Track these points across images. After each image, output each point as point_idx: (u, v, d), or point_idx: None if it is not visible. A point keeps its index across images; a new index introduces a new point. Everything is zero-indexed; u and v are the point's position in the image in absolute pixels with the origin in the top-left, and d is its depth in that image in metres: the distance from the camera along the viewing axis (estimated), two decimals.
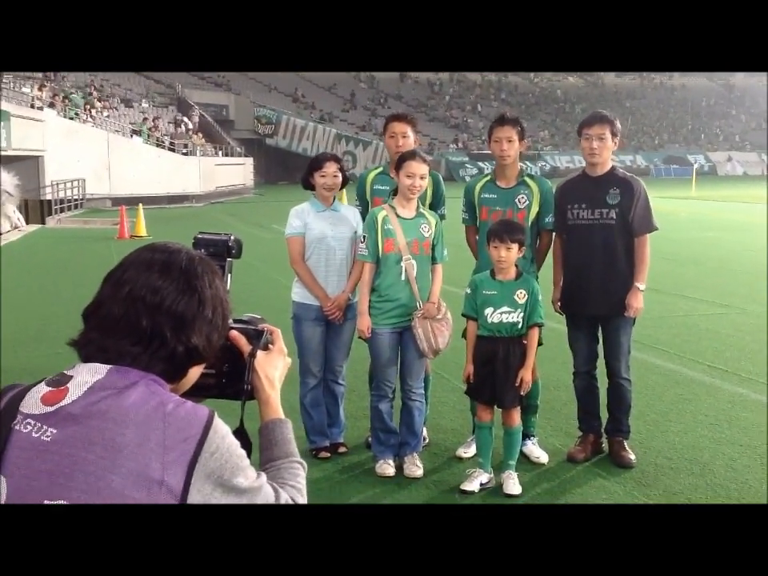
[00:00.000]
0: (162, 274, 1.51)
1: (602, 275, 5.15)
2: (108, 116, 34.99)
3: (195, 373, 1.59)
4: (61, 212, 26.37)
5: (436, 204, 5.46)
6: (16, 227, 21.54)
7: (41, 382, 1.51)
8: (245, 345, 1.69)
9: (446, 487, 4.89)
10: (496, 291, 4.79)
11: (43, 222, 24.50)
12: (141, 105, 43.23)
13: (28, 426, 1.43)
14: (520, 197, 5.22)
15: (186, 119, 42.96)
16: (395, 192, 5.04)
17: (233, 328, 1.69)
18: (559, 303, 5.39)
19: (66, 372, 1.50)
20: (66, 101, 32.11)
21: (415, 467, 5.04)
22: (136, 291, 1.49)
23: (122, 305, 1.49)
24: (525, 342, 4.82)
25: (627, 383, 5.33)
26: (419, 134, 5.53)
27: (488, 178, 5.40)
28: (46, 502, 1.38)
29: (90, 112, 32.42)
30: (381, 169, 5.59)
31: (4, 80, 31.23)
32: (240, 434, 1.65)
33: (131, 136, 34.10)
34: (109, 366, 1.47)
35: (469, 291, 4.92)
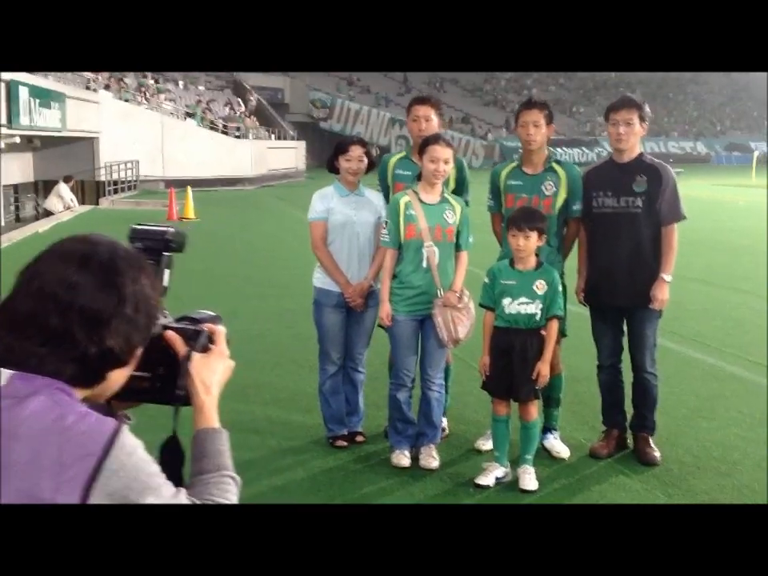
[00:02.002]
0: (79, 267, 1.38)
1: (627, 266, 4.97)
2: (163, 98, 35.31)
3: (117, 377, 1.46)
4: (114, 193, 26.73)
5: (459, 191, 5.29)
6: (68, 208, 21.88)
7: None
8: (181, 346, 1.58)
9: (462, 480, 4.78)
10: (514, 281, 4.64)
11: (97, 203, 24.86)
12: (197, 87, 43.57)
13: None
14: (547, 184, 5.04)
15: (239, 101, 43.16)
16: (419, 177, 4.92)
17: (171, 328, 1.59)
18: (583, 294, 5.22)
19: None
20: (122, 83, 32.46)
21: (431, 459, 4.94)
22: (47, 286, 1.36)
23: (31, 301, 1.36)
24: (543, 333, 4.67)
25: (653, 377, 5.14)
26: (443, 118, 5.38)
27: (515, 164, 5.25)
28: None
29: (145, 94, 32.73)
30: (404, 153, 5.45)
31: None
32: (171, 444, 1.56)
33: (185, 119, 34.38)
34: (12, 373, 1.35)
35: (487, 280, 4.77)
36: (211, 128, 35.43)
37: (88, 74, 30.96)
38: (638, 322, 5.09)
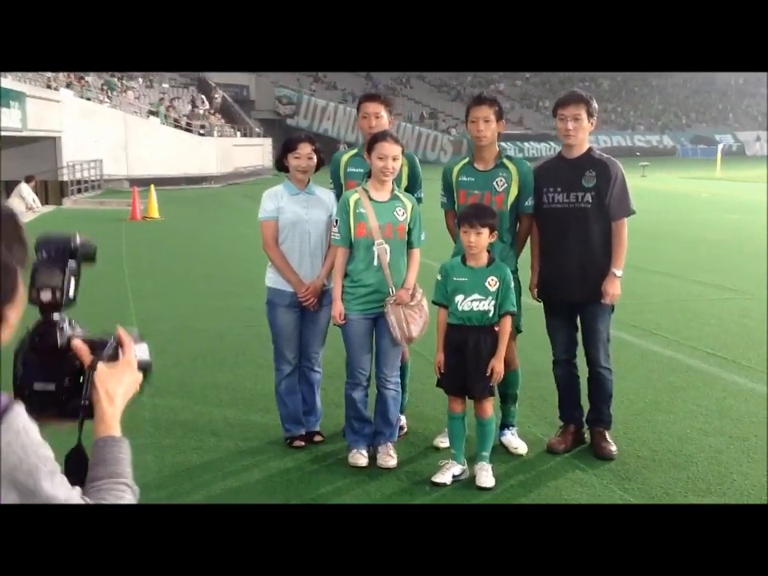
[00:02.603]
0: None
1: (578, 261, 4.97)
2: (125, 96, 34.96)
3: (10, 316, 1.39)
4: (78, 193, 26.42)
5: (412, 187, 5.25)
6: (31, 208, 21.57)
7: None
8: (87, 356, 1.53)
9: (419, 478, 4.75)
10: (467, 278, 4.62)
11: (61, 203, 24.55)
12: (161, 85, 43.20)
13: None
14: (498, 180, 5.03)
15: (203, 98, 42.80)
16: (369, 174, 4.88)
17: (78, 338, 1.54)
18: (536, 290, 5.22)
19: None
20: (83, 81, 32.09)
21: (389, 457, 4.91)
22: None
23: None
24: (497, 330, 4.66)
25: (607, 372, 5.15)
26: (393, 115, 5.34)
27: (466, 160, 5.21)
28: None
29: (107, 92, 32.39)
30: (355, 151, 5.39)
31: None
32: (76, 454, 1.52)
33: (148, 116, 34.06)
34: None
35: (439, 278, 4.75)
36: (175, 126, 35.14)
37: (49, 73, 30.60)
38: (590, 317, 5.09)
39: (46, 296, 1.54)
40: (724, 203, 23.84)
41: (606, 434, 5.15)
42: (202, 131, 36.49)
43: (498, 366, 4.60)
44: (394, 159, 4.70)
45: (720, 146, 46.75)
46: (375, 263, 4.79)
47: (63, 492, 1.34)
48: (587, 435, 5.25)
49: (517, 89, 71.69)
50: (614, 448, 5.08)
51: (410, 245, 4.89)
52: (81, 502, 1.37)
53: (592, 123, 4.97)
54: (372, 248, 4.77)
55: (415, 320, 4.78)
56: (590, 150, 5.05)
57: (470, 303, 4.59)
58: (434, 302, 4.78)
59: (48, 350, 1.52)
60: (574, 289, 5.01)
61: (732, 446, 5.18)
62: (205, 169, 34.85)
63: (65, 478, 1.36)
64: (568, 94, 5.11)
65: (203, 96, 45.15)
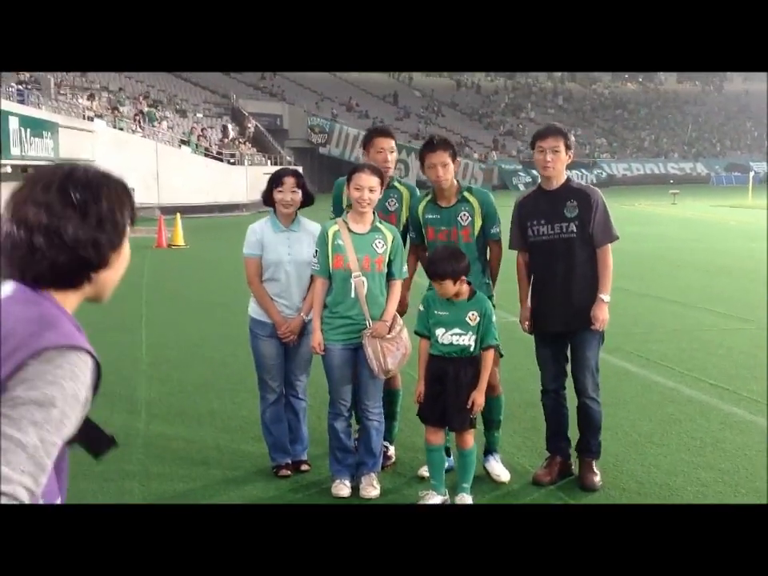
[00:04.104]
0: (43, 190, 1.61)
1: (566, 289, 5.01)
2: (159, 125, 35.54)
3: (106, 278, 1.69)
4: None
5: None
6: None
7: None
8: None
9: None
10: (447, 312, 4.62)
11: None
12: (195, 115, 43.86)
13: None
14: (462, 214, 5.14)
15: (229, 127, 43.26)
16: (349, 206, 4.94)
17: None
18: (528, 323, 5.21)
19: None
20: (117, 111, 32.73)
21: (371, 488, 4.93)
22: (17, 208, 1.61)
23: (9, 223, 1.61)
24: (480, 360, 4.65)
25: (594, 403, 5.14)
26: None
27: (429, 197, 5.28)
28: None
29: (140, 122, 32.97)
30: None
31: (60, 92, 32.03)
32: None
33: (179, 146, 34.59)
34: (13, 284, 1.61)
35: (421, 308, 4.78)
36: (206, 155, 35.62)
37: (84, 103, 31.27)
38: (579, 345, 5.10)
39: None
40: (751, 231, 23.56)
41: (593, 465, 5.13)
42: (232, 160, 36.93)
43: (479, 398, 4.59)
44: (371, 191, 4.73)
45: (752, 174, 46.29)
46: (352, 295, 4.81)
47: (34, 442, 1.42)
48: (575, 467, 5.23)
49: (549, 116, 71.56)
50: (597, 479, 5.05)
51: (390, 276, 4.92)
52: (42, 466, 1.44)
53: (570, 156, 5.02)
54: (349, 280, 4.80)
55: (392, 352, 4.79)
56: (568, 180, 5.10)
57: (450, 337, 4.60)
58: (416, 333, 4.80)
59: None
60: (563, 318, 5.04)
61: (720, 480, 5.13)
62: (235, 197, 35.22)
63: (54, 439, 1.45)
64: (546, 127, 5.16)
65: (235, 125, 45.71)
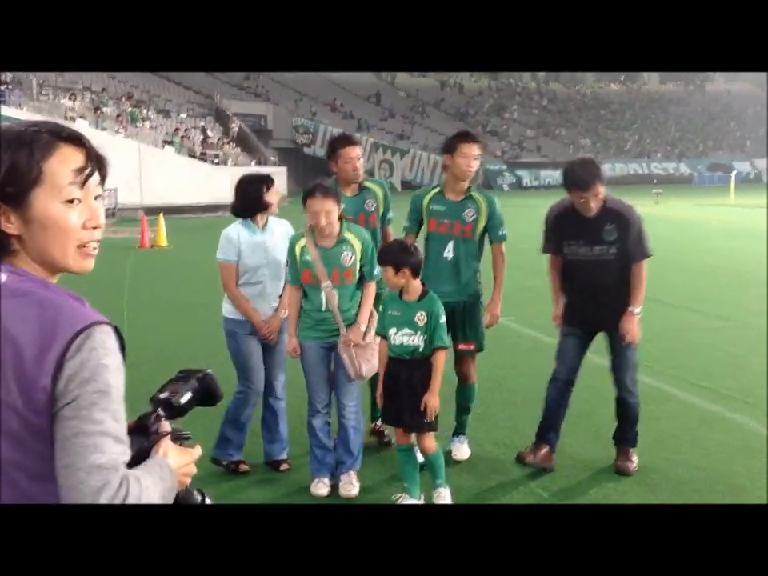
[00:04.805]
0: None
1: (605, 300, 5.18)
2: (142, 126, 35.42)
3: (33, 240, 1.56)
4: None
5: (385, 213, 5.63)
6: None
7: None
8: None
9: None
10: (399, 312, 4.59)
11: None
12: (179, 115, 43.73)
13: None
14: (468, 211, 5.30)
15: (207, 129, 43.15)
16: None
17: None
18: (560, 320, 5.41)
19: None
20: (99, 111, 32.60)
21: (350, 486, 4.93)
22: None
23: None
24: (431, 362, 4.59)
25: (633, 397, 5.40)
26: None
27: (437, 190, 5.46)
28: None
29: (123, 123, 32.87)
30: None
31: (42, 93, 31.86)
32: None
33: (163, 146, 34.47)
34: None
35: (381, 309, 4.78)
36: (190, 155, 35.52)
37: (67, 103, 31.13)
38: (619, 344, 5.25)
39: (162, 395, 1.75)
40: (733, 231, 23.73)
41: (630, 452, 5.37)
42: (216, 160, 36.85)
43: (431, 400, 4.49)
44: (327, 214, 4.66)
45: (734, 174, 46.59)
46: (324, 307, 4.82)
47: (112, 425, 1.45)
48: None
49: (534, 117, 71.84)
50: (633, 465, 5.30)
51: (362, 278, 4.92)
52: (125, 440, 1.48)
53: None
54: (320, 292, 4.79)
55: (367, 359, 4.80)
56: (605, 200, 5.08)
57: (400, 338, 4.56)
58: (376, 333, 4.78)
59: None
60: (601, 319, 5.24)
61: (696, 477, 5.17)
62: (219, 197, 35.04)
63: (122, 413, 1.49)
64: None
65: (218, 125, 45.61)
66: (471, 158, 5.24)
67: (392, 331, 4.59)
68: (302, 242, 4.83)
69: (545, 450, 5.34)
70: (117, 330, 1.55)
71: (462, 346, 5.47)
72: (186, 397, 1.76)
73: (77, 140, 1.62)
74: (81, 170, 1.58)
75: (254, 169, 42.03)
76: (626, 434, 5.40)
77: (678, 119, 78.32)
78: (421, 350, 4.54)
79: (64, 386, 1.43)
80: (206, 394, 1.81)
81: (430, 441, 4.62)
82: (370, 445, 5.72)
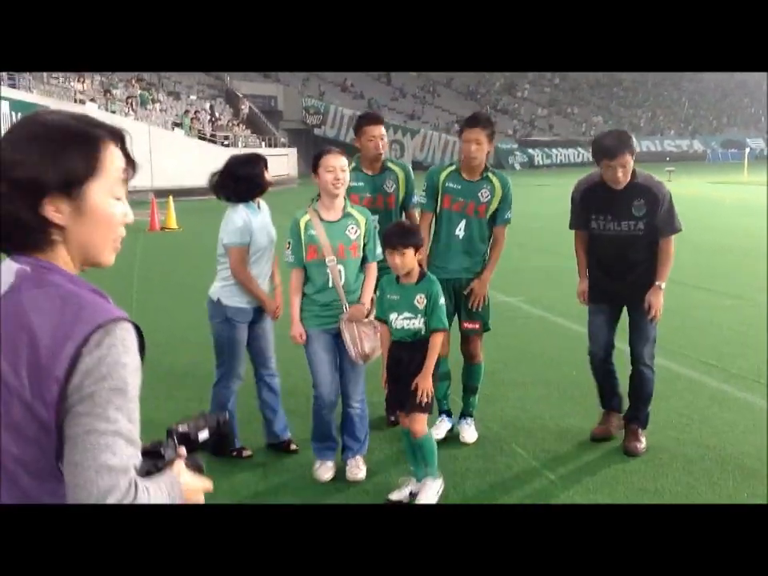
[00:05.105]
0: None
1: (630, 274, 5.21)
2: (152, 109, 35.38)
3: (77, 234, 1.56)
4: None
5: (408, 196, 5.60)
6: None
7: None
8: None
9: (385, 492, 4.72)
10: (398, 296, 4.52)
11: None
12: (189, 97, 43.65)
13: None
14: (483, 191, 5.33)
15: (228, 109, 43.10)
16: (319, 195, 4.79)
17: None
18: (584, 296, 5.43)
19: None
20: (109, 94, 32.57)
21: (357, 470, 4.90)
22: None
23: None
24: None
25: (649, 371, 5.35)
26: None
27: (453, 167, 5.47)
28: None
29: (131, 105, 32.83)
30: (354, 164, 5.55)
31: (53, 76, 31.84)
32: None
33: (173, 129, 34.43)
34: (19, 266, 1.53)
35: (377, 294, 4.71)
36: (200, 137, 35.47)
37: (76, 86, 31.12)
38: (640, 317, 5.24)
39: (182, 428, 1.79)
40: (746, 208, 23.55)
41: (639, 432, 5.33)
42: (225, 142, 36.79)
43: (422, 383, 4.43)
44: (342, 170, 4.66)
45: (747, 150, 46.21)
46: (330, 284, 4.73)
47: (126, 426, 1.43)
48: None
49: (545, 95, 71.38)
50: (641, 446, 5.26)
51: (364, 259, 4.85)
52: (137, 442, 1.46)
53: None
54: (325, 268, 4.70)
55: (369, 336, 4.73)
56: (634, 175, 5.06)
57: (401, 321, 4.52)
58: (375, 318, 4.71)
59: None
60: (623, 292, 5.24)
61: (706, 456, 5.14)
62: None
63: (137, 414, 1.47)
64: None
65: (229, 107, 45.52)
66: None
67: (393, 316, 4.54)
68: (306, 217, 4.73)
69: (614, 417, 5.48)
70: (138, 329, 1.52)
71: (467, 325, 5.46)
72: (205, 434, 1.79)
73: (123, 140, 1.66)
74: (125, 169, 1.63)
75: (265, 151, 42.06)
76: (637, 413, 5.36)
77: (692, 96, 77.69)
78: (423, 332, 4.50)
79: (80, 380, 1.40)
80: (222, 438, 1.85)
81: (420, 424, 4.51)
82: (375, 424, 5.71)
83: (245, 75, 55.09)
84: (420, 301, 4.48)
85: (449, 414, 5.65)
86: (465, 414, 5.58)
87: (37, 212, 1.50)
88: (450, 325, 5.40)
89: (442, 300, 4.51)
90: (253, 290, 5.04)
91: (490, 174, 5.33)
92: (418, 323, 4.50)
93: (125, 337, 1.46)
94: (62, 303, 1.45)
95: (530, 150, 58.37)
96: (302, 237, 4.71)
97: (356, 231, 4.76)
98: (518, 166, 56.16)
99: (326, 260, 4.68)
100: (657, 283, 5.15)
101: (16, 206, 1.49)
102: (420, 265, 4.58)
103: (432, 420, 5.30)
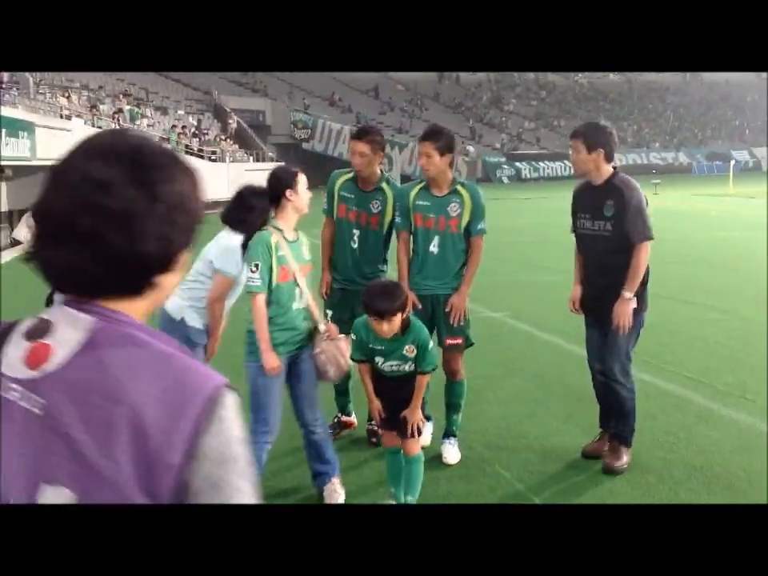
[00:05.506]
0: (104, 162, 1.23)
1: (601, 281, 5.15)
2: (140, 124, 35.29)
3: (167, 283, 1.32)
4: None
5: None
6: None
7: (16, 326, 1.29)
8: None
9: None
10: (383, 346, 4.38)
11: None
12: (176, 112, 43.58)
13: (14, 393, 1.23)
14: (452, 205, 5.27)
15: (204, 125, 43.08)
16: (276, 209, 4.55)
17: None
18: (572, 303, 5.39)
19: (43, 316, 1.27)
20: (95, 110, 32.48)
21: (336, 494, 4.75)
22: (72, 184, 1.22)
23: (60, 200, 1.23)
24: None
25: (622, 387, 5.24)
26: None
27: (422, 184, 5.43)
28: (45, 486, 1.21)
29: (119, 121, 32.72)
30: (351, 174, 5.58)
31: (39, 91, 31.72)
32: None
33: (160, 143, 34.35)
34: (91, 318, 1.25)
35: (354, 337, 4.49)
36: (187, 152, 35.38)
37: (62, 102, 31.01)
38: (608, 327, 5.13)
39: None
40: (732, 220, 23.61)
41: (621, 449, 5.22)
42: (213, 157, 36.74)
43: (411, 417, 4.39)
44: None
45: (732, 163, 46.40)
46: (297, 305, 4.53)
47: (249, 490, 1.26)
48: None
49: (532, 108, 71.66)
50: (619, 463, 5.16)
51: None
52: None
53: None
54: (294, 290, 4.51)
55: (344, 351, 4.56)
56: (612, 175, 5.10)
57: (389, 366, 4.44)
58: (353, 360, 4.53)
59: None
60: (599, 304, 5.14)
61: (693, 477, 5.06)
62: (217, 194, 34.90)
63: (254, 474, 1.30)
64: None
65: (217, 121, 45.50)
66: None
67: (379, 360, 4.43)
68: (274, 237, 4.44)
69: (608, 438, 5.37)
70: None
71: (449, 341, 5.37)
72: None
73: None
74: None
75: (253, 165, 42.07)
76: (617, 429, 5.27)
77: (676, 109, 78.09)
78: (410, 371, 4.45)
79: (199, 466, 1.20)
80: None
81: (413, 444, 4.50)
82: (355, 446, 5.63)
83: (233, 89, 55.14)
84: (410, 350, 4.37)
85: (428, 419, 5.52)
86: (448, 433, 5.48)
87: (181, 251, 1.32)
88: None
89: (431, 344, 4.43)
90: (216, 324, 4.90)
91: (458, 187, 5.26)
92: (407, 367, 4.42)
93: (232, 405, 1.26)
94: (159, 368, 1.22)
95: (518, 164, 58.47)
96: (274, 258, 4.42)
97: (307, 251, 4.66)
98: (505, 180, 56.21)
99: (297, 280, 4.51)
100: (622, 292, 5.00)
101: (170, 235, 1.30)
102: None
103: None
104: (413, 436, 4.47)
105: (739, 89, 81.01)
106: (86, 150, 1.27)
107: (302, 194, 4.52)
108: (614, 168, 5.15)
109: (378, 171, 5.58)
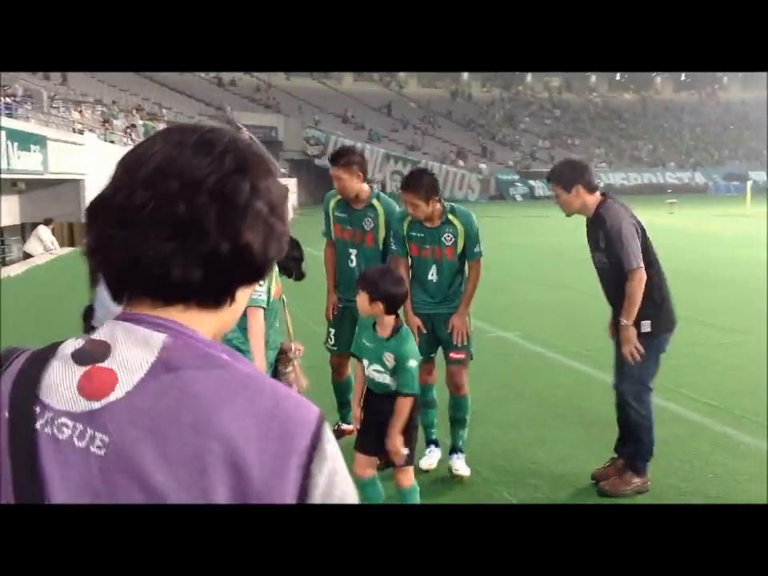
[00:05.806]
0: (199, 150, 1.07)
1: (613, 307, 5.15)
2: None
3: (242, 300, 1.14)
4: None
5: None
6: (48, 250, 21.76)
7: (57, 348, 1.07)
8: None
9: None
10: (371, 345, 4.24)
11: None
12: None
13: (64, 429, 1.00)
14: (446, 235, 5.30)
15: None
16: None
17: None
18: (610, 330, 5.29)
19: (95, 337, 1.06)
20: (107, 124, 32.58)
21: None
22: (167, 170, 1.05)
23: (147, 189, 1.05)
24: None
25: (633, 411, 5.07)
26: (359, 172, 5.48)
27: None
28: None
29: (131, 135, 32.80)
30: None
31: (53, 105, 31.85)
32: None
33: None
34: (164, 335, 1.04)
35: (357, 330, 4.46)
36: None
37: (75, 116, 31.12)
38: (620, 352, 5.04)
39: None
40: (749, 240, 23.32)
41: (627, 474, 5.06)
42: None
43: (389, 444, 4.12)
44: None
45: (750, 183, 46.06)
46: (277, 323, 4.51)
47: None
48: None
49: (546, 127, 71.64)
50: (621, 489, 4.99)
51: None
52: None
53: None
54: (277, 307, 4.48)
55: (299, 373, 4.53)
56: (601, 203, 4.98)
57: (372, 372, 4.25)
58: (352, 355, 4.54)
59: None
60: (616, 332, 5.09)
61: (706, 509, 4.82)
62: None
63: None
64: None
65: None
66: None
67: (365, 362, 4.31)
68: None
69: (619, 465, 5.19)
70: None
71: (453, 355, 5.35)
72: None
73: None
74: None
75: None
76: (627, 452, 5.16)
77: (693, 128, 77.97)
78: (392, 388, 4.20)
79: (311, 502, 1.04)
80: None
81: (404, 476, 4.26)
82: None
83: (246, 105, 55.45)
84: (388, 359, 4.17)
85: (436, 444, 5.54)
86: (455, 449, 5.40)
87: (273, 260, 1.16)
88: (434, 354, 5.44)
89: (411, 363, 4.14)
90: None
91: (449, 216, 5.26)
92: (387, 380, 4.21)
93: (331, 435, 1.07)
94: (249, 395, 1.02)
95: (531, 182, 58.38)
96: (273, 273, 4.45)
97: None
98: (519, 197, 56.16)
99: (281, 297, 4.51)
100: (621, 320, 4.91)
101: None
102: (397, 315, 4.28)
103: (420, 452, 5.13)
104: (402, 464, 4.21)
105: (756, 109, 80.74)
106: (174, 140, 1.09)
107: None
108: (603, 195, 5.04)
109: (366, 188, 5.56)
